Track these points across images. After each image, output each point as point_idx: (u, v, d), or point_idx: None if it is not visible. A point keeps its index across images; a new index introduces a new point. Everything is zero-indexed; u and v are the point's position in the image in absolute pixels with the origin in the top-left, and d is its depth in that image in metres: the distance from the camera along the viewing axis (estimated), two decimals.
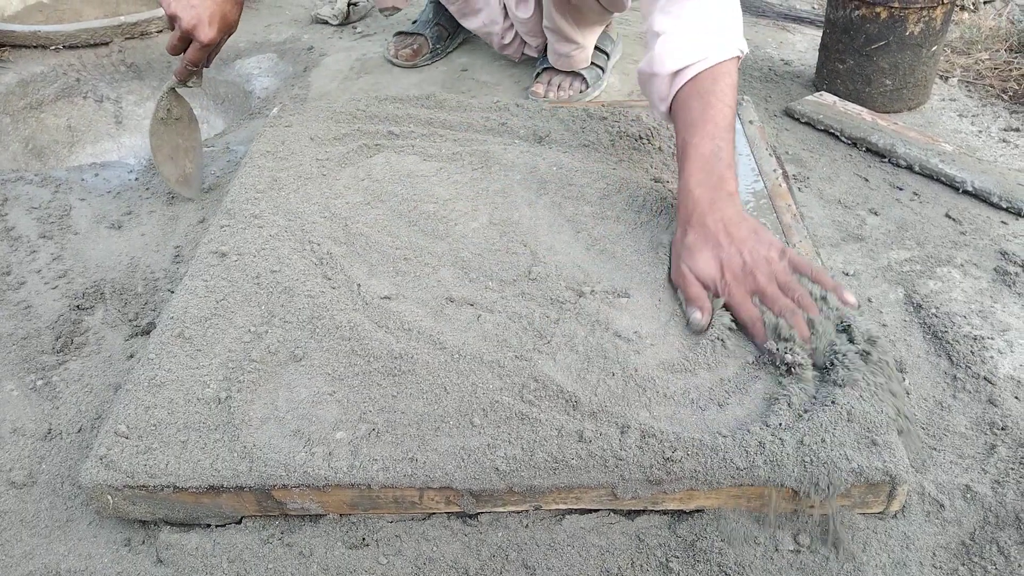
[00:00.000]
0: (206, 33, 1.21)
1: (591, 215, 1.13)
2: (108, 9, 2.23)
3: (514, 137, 1.32)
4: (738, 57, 1.05)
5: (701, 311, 0.93)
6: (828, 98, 1.56)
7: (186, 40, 1.23)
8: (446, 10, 1.81)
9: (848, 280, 1.14)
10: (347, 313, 0.98)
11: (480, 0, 1.68)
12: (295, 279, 1.03)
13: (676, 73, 1.03)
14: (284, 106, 1.45)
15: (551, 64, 1.67)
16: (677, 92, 1.03)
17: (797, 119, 1.54)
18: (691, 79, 1.01)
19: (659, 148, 1.27)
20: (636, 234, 1.09)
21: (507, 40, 1.73)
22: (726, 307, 0.94)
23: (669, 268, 1.02)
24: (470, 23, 1.74)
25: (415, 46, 1.84)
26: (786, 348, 0.88)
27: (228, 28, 1.26)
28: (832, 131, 1.49)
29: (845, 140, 1.47)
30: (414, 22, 1.91)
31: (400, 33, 1.89)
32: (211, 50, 1.27)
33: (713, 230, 0.95)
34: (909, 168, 1.38)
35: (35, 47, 1.95)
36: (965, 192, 1.32)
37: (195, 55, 1.24)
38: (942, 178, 1.35)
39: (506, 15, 1.69)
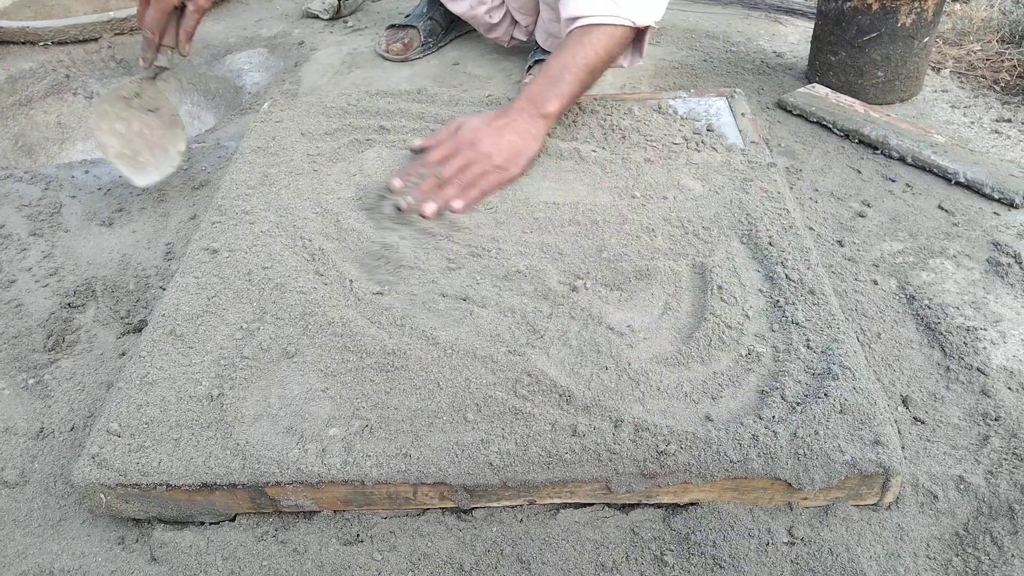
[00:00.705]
0: None
1: (585, 208, 1.12)
2: (97, 4, 2.21)
3: None
4: (628, 27, 1.21)
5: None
6: (820, 90, 1.56)
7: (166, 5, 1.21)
8: (440, 5, 1.80)
9: (842, 270, 1.14)
10: (339, 309, 0.97)
11: None
12: (287, 275, 1.03)
13: (571, 19, 1.22)
14: (275, 101, 1.44)
15: (542, 53, 1.67)
16: (568, 33, 1.23)
17: (789, 111, 1.54)
18: (579, 27, 1.21)
19: (647, 137, 1.27)
20: (627, 226, 1.09)
21: (495, 20, 1.72)
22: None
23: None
24: (457, 6, 1.73)
25: (406, 40, 1.84)
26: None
27: None
28: (824, 123, 1.48)
29: (837, 132, 1.47)
30: (407, 15, 1.90)
31: (392, 27, 1.88)
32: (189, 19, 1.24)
33: (503, 117, 1.17)
34: (902, 160, 1.38)
35: (23, 43, 1.93)
36: (957, 183, 1.32)
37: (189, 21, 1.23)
38: (934, 169, 1.35)
39: None
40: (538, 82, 1.19)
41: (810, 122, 1.51)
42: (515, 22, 1.72)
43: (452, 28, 1.89)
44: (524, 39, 1.75)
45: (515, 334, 0.93)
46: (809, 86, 1.58)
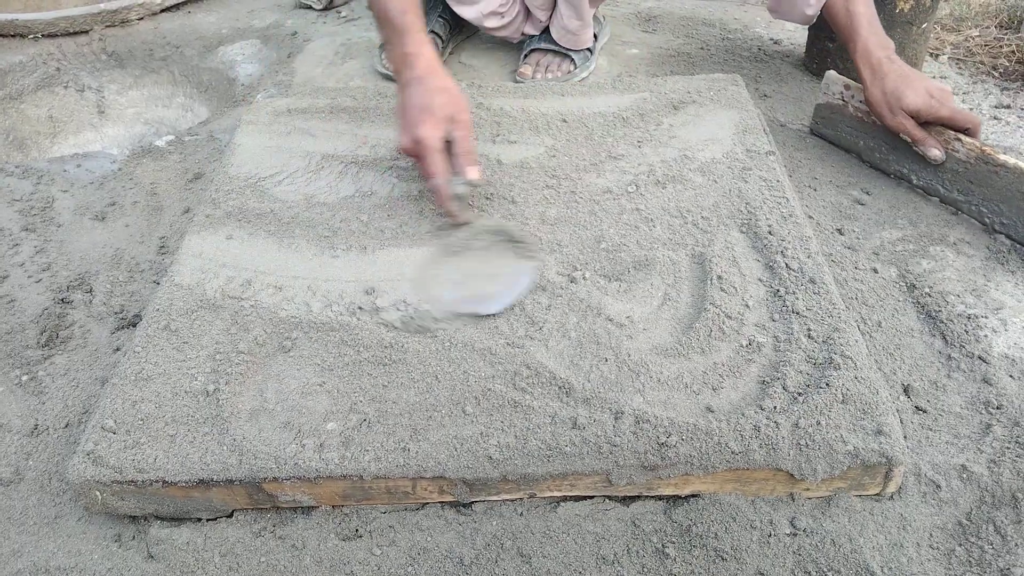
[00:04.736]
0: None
1: (585, 198, 1.11)
2: None
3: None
4: None
5: (936, 147, 1.17)
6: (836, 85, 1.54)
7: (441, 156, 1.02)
8: (445, 9, 1.72)
9: (842, 258, 1.13)
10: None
11: None
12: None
13: None
14: (268, 93, 1.42)
15: (537, 42, 1.65)
16: None
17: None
18: None
19: (644, 116, 1.26)
20: (626, 216, 1.08)
21: (507, 20, 1.65)
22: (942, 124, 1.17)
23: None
24: (467, 12, 1.65)
25: None
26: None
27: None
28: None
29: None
30: None
31: None
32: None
33: (904, 70, 1.17)
34: None
35: (13, 36, 1.91)
36: None
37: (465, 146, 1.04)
38: None
39: None
40: (868, 32, 1.23)
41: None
42: (527, 18, 1.67)
43: (455, 34, 1.81)
44: (535, 33, 1.70)
45: (513, 326, 0.92)
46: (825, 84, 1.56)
